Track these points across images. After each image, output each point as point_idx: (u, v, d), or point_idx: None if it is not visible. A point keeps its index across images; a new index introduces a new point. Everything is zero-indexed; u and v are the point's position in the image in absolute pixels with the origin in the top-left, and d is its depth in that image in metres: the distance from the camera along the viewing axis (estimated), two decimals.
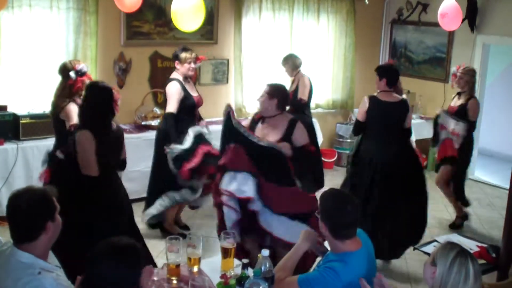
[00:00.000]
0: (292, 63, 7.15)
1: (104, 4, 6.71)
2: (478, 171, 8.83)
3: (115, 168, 4.36)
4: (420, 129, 8.58)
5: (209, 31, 7.76)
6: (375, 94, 5.70)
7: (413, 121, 8.40)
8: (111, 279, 2.25)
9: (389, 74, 5.69)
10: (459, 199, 6.73)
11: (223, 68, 8.00)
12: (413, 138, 6.43)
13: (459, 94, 6.54)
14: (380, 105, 5.51)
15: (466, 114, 6.40)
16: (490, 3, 8.17)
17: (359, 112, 5.69)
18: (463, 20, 8.15)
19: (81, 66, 4.93)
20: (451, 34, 8.60)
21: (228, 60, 8.02)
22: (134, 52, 7.23)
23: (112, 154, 4.22)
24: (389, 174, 5.34)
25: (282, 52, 8.15)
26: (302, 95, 7.02)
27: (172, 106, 5.59)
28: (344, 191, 3.05)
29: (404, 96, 6.09)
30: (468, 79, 6.39)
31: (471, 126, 6.47)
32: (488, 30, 8.26)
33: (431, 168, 8.99)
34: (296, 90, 7.01)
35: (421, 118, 8.79)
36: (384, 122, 5.49)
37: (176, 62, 5.76)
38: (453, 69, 6.50)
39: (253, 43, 8.12)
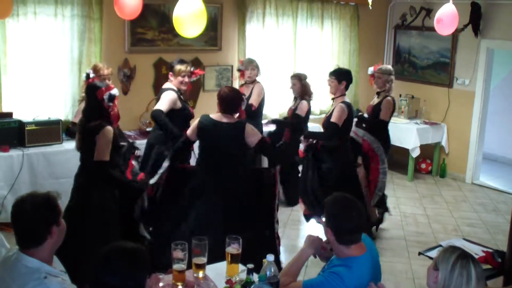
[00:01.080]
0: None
1: (108, 11, 6.73)
2: (483, 176, 8.82)
3: None
4: (424, 134, 8.58)
5: (213, 37, 7.78)
6: (347, 99, 5.90)
7: (417, 126, 8.50)
8: (118, 283, 2.26)
9: (348, 78, 5.96)
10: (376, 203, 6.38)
11: (227, 74, 8.01)
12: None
13: (378, 93, 6.49)
14: (352, 111, 5.88)
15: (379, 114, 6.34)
16: (493, 8, 8.17)
17: (339, 117, 5.74)
18: (466, 25, 8.17)
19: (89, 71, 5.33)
20: (454, 39, 8.61)
21: (232, 66, 8.03)
22: (138, 59, 7.25)
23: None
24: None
25: (286, 58, 8.18)
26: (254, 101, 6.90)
27: (161, 105, 5.51)
28: (350, 196, 3.03)
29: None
30: (386, 78, 6.37)
31: (382, 125, 6.36)
32: (492, 34, 8.27)
33: (436, 173, 9.00)
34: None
35: (425, 123, 8.77)
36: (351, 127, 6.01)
37: (170, 73, 5.77)
38: (370, 69, 6.41)
39: (257, 49, 8.13)
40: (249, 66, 6.88)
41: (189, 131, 4.85)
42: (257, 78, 7.04)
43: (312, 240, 3.21)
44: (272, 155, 5.10)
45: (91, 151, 4.33)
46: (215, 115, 4.78)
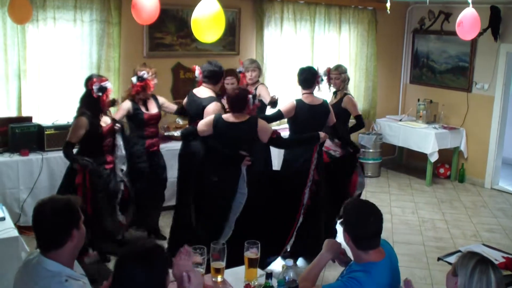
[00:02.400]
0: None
1: (126, 16, 6.77)
2: (502, 181, 8.73)
3: None
4: (443, 139, 8.52)
5: (231, 42, 7.80)
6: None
7: (435, 131, 8.44)
8: (140, 281, 2.26)
9: (301, 75, 5.77)
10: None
11: None
12: None
13: (335, 93, 6.45)
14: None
15: (345, 112, 6.29)
16: None
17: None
18: (486, 29, 8.11)
19: (142, 73, 5.57)
20: (474, 43, 8.54)
21: None
22: (156, 63, 7.25)
23: None
24: None
25: (303, 63, 8.16)
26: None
27: None
28: (368, 201, 3.01)
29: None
30: (344, 78, 6.37)
31: (359, 121, 6.36)
32: None
33: (455, 178, 8.93)
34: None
35: (444, 128, 8.71)
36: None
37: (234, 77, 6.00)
38: (323, 71, 6.31)
39: (274, 54, 8.13)
40: (250, 68, 6.50)
41: (201, 126, 4.93)
42: (260, 80, 6.82)
43: (331, 245, 3.19)
44: (287, 147, 5.45)
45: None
46: (226, 115, 4.90)
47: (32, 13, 5.82)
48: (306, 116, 5.52)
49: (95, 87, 5.05)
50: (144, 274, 2.28)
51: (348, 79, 6.54)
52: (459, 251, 4.80)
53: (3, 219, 4.41)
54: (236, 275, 3.38)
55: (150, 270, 2.30)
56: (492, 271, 2.52)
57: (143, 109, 5.72)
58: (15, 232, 4.25)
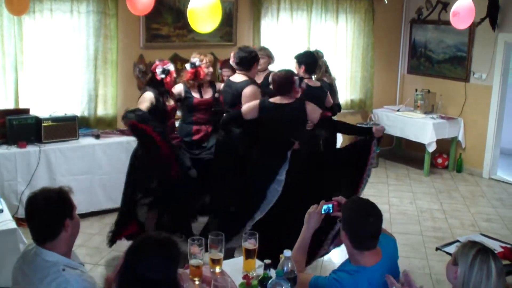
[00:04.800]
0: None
1: (123, 7, 6.72)
2: (500, 171, 8.74)
3: None
4: (440, 129, 8.52)
5: (228, 33, 7.78)
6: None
7: (433, 121, 8.44)
8: (150, 274, 2.24)
9: (306, 61, 5.82)
10: None
11: None
12: None
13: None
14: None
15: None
16: (511, 1, 8.08)
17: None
18: (484, 19, 8.09)
19: (194, 60, 5.60)
20: (471, 32, 8.53)
21: None
22: (153, 55, 7.24)
23: None
24: None
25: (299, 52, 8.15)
26: None
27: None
28: (369, 201, 2.94)
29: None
30: (266, 60, 6.33)
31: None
32: (510, 28, 8.17)
33: (453, 168, 8.94)
34: None
35: (442, 118, 8.70)
36: None
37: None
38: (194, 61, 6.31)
39: (272, 44, 8.10)
40: (259, 54, 6.42)
41: (246, 109, 4.92)
42: (270, 68, 6.71)
43: (309, 217, 3.15)
44: (335, 128, 5.53)
45: None
46: (274, 99, 4.88)
47: (29, 5, 5.79)
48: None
49: (158, 70, 5.24)
50: (162, 262, 2.26)
51: (326, 66, 6.44)
52: (457, 241, 4.83)
53: (1, 211, 4.42)
54: (234, 266, 3.38)
55: (167, 258, 2.29)
56: (492, 261, 2.51)
57: (194, 94, 5.67)
58: (13, 224, 4.26)
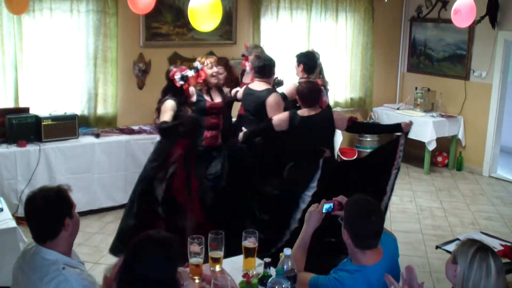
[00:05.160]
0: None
1: (123, 5, 6.73)
2: (500, 169, 8.74)
3: None
4: (440, 127, 8.52)
5: (227, 31, 7.78)
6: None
7: (433, 119, 8.44)
8: (149, 273, 2.24)
9: (306, 61, 5.80)
10: None
11: None
12: None
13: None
14: None
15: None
16: None
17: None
18: (483, 17, 8.09)
19: (195, 64, 5.49)
20: (471, 31, 8.52)
21: None
22: (153, 53, 7.27)
23: None
24: None
25: (300, 51, 8.15)
26: None
27: None
28: (370, 199, 2.94)
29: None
30: None
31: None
32: (510, 26, 8.17)
33: (453, 167, 8.94)
34: None
35: (442, 116, 8.70)
36: None
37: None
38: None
39: (271, 43, 8.11)
40: (253, 52, 6.35)
41: (277, 121, 5.02)
42: None
43: (309, 216, 3.14)
44: (365, 130, 5.67)
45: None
46: (302, 111, 4.99)
47: (29, 4, 5.78)
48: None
49: (177, 77, 5.11)
50: (161, 260, 2.26)
51: (321, 68, 6.34)
52: (457, 239, 4.83)
53: (1, 210, 4.42)
54: (234, 264, 3.38)
55: (166, 257, 2.29)
56: (492, 259, 2.51)
57: (206, 97, 5.61)
58: (13, 223, 4.25)
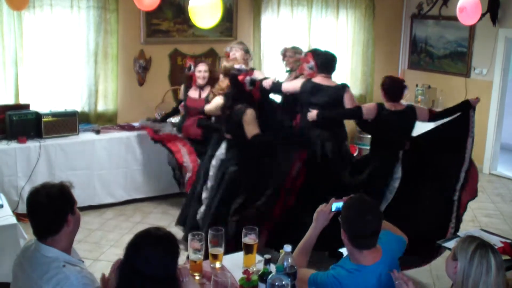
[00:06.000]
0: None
1: (124, 2, 6.75)
2: (501, 167, 8.73)
3: None
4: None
5: (228, 28, 7.77)
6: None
7: None
8: (148, 270, 2.25)
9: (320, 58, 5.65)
10: None
11: None
12: None
13: (289, 72, 6.37)
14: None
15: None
16: None
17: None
18: (484, 14, 8.07)
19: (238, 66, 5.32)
20: (472, 28, 8.51)
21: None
22: (154, 50, 7.26)
23: None
24: None
25: (301, 48, 8.14)
26: None
27: None
28: (368, 199, 2.93)
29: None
30: (297, 58, 6.18)
31: None
32: (511, 23, 8.16)
33: None
34: None
35: None
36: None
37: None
38: (281, 50, 6.37)
39: (272, 40, 8.10)
40: (234, 47, 6.26)
41: (365, 111, 5.17)
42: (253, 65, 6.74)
43: (317, 216, 3.14)
44: (445, 114, 5.66)
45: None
46: (387, 104, 5.19)
47: (29, 0, 5.78)
48: None
49: (246, 81, 4.90)
50: (161, 257, 2.28)
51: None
52: (458, 236, 4.81)
53: (1, 206, 4.42)
54: (234, 261, 3.38)
55: (165, 254, 2.30)
56: (492, 255, 2.51)
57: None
58: (13, 220, 4.26)
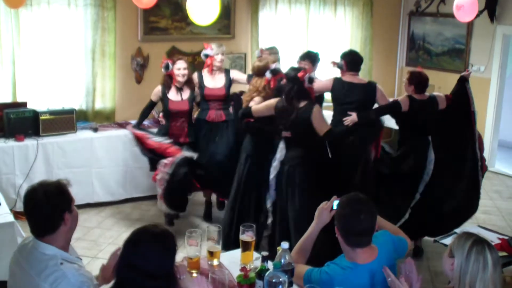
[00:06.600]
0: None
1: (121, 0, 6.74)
2: (499, 163, 8.74)
3: None
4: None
5: (226, 25, 7.76)
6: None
7: None
8: (146, 267, 2.25)
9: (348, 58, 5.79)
10: None
11: (241, 62, 8.00)
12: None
13: None
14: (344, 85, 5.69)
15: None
16: None
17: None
18: (482, 11, 8.07)
19: (273, 65, 5.38)
20: (470, 25, 8.51)
21: (245, 54, 8.01)
22: (151, 48, 7.25)
23: None
24: None
25: (299, 45, 8.13)
26: None
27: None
28: (363, 197, 2.91)
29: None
30: (274, 58, 6.10)
31: None
32: (508, 20, 8.16)
33: None
34: None
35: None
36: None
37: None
38: (257, 51, 6.29)
39: (270, 37, 8.10)
40: (220, 51, 6.12)
41: (403, 104, 5.39)
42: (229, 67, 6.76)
43: (319, 214, 3.14)
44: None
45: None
46: (416, 96, 5.44)
47: None
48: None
49: (306, 79, 4.79)
50: (158, 254, 2.28)
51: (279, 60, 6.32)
52: (455, 233, 4.83)
53: None
54: (232, 258, 3.38)
55: (163, 251, 2.30)
56: (488, 251, 2.52)
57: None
58: (11, 218, 4.25)
